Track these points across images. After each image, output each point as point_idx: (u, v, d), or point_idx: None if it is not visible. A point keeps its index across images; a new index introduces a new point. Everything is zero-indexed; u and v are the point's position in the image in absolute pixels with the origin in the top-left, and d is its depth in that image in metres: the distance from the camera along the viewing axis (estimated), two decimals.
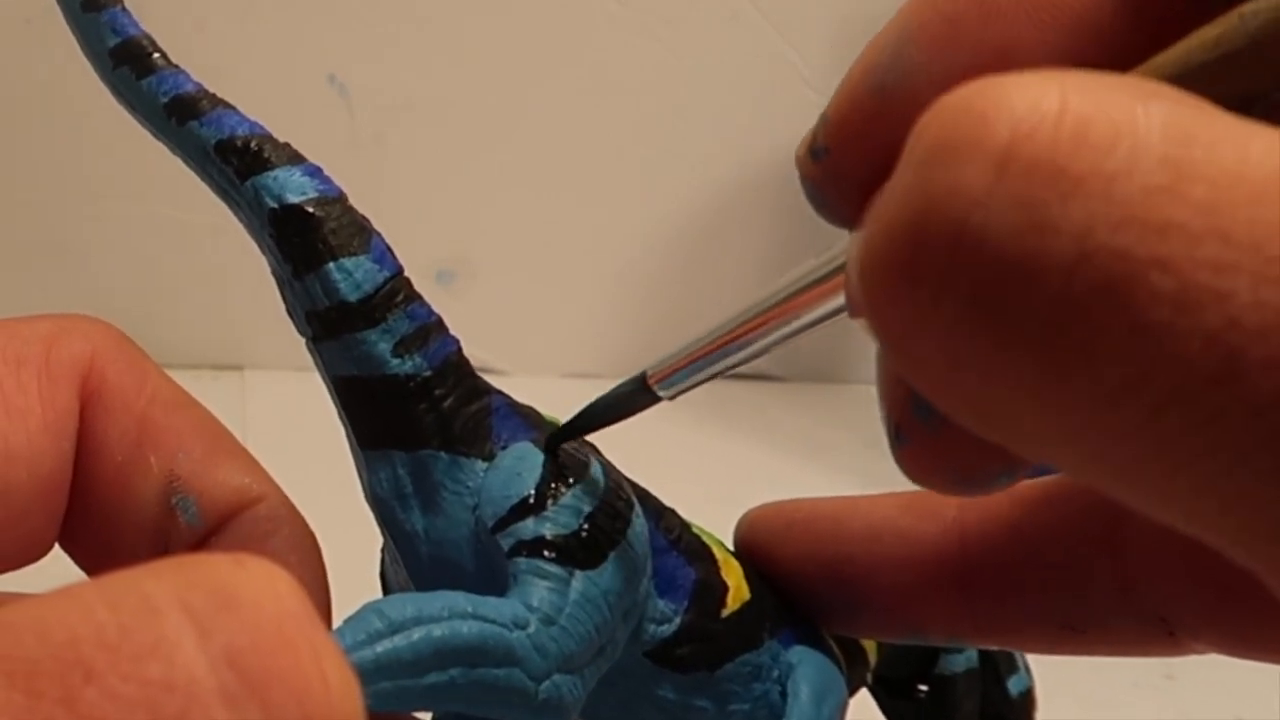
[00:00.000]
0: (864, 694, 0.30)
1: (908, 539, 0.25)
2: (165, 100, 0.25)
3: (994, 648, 0.29)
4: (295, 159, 0.24)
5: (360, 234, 0.24)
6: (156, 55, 0.26)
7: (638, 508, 0.24)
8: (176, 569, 0.13)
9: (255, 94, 0.66)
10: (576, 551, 0.22)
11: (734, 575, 0.26)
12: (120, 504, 0.23)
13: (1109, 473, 0.13)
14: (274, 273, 0.24)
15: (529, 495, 0.23)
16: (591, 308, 0.70)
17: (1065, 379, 0.13)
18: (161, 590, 0.13)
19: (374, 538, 0.25)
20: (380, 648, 0.19)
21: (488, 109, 0.67)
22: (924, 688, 0.30)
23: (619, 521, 0.23)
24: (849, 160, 0.18)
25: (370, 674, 0.19)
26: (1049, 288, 0.12)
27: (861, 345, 0.78)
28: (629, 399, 0.21)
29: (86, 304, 0.66)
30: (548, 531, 0.22)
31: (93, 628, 0.12)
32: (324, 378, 0.24)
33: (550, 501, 0.23)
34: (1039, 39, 0.16)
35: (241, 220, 0.24)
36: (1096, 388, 0.12)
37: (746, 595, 0.26)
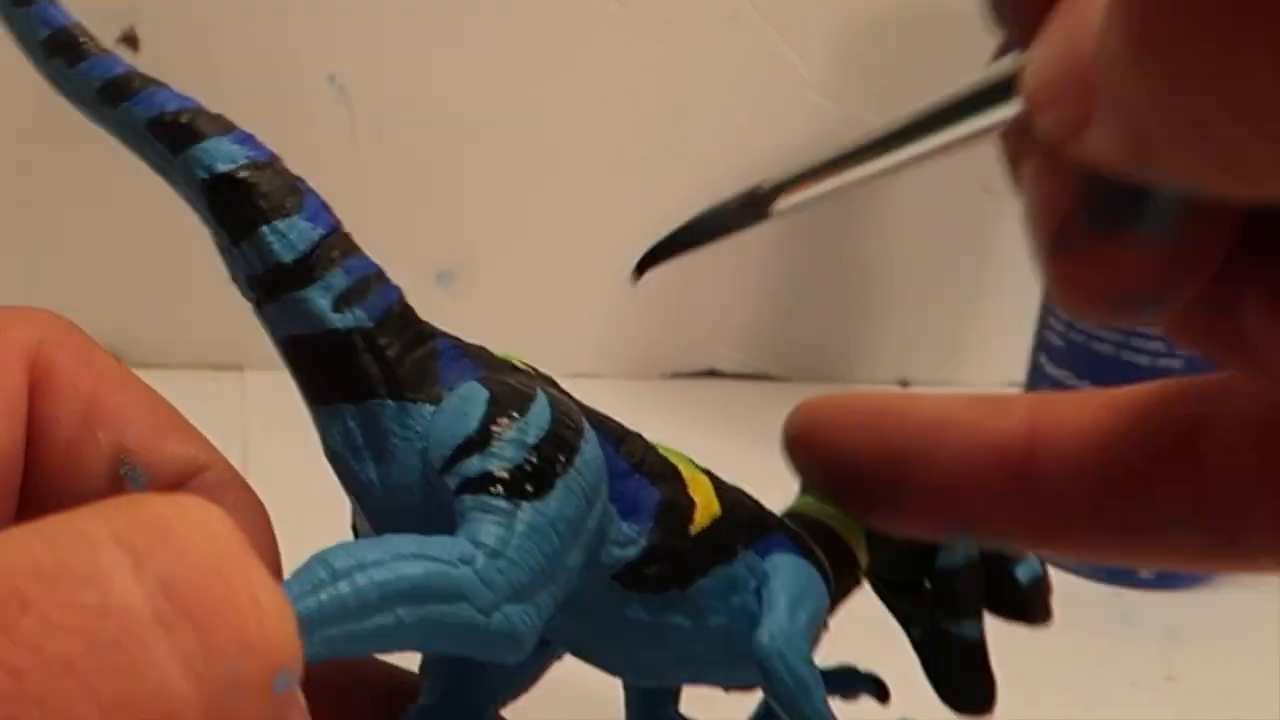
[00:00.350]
0: (862, 642, 0.30)
1: (973, 432, 0.24)
2: (98, 85, 0.25)
3: (1041, 552, 0.29)
4: (225, 129, 0.25)
5: (292, 194, 0.25)
6: (86, 42, 0.26)
7: (589, 434, 0.24)
8: (114, 508, 0.14)
9: (255, 94, 0.67)
10: (522, 483, 0.22)
11: (702, 492, 0.26)
12: (71, 479, 0.24)
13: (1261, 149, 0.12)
14: (216, 243, 0.25)
15: (473, 433, 0.23)
16: (591, 308, 0.70)
17: None
18: (97, 526, 0.13)
19: None
20: (325, 595, 0.20)
21: (488, 109, 0.67)
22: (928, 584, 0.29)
23: (566, 450, 0.23)
24: None
25: (317, 622, 0.20)
26: None
27: (861, 345, 0.78)
28: (735, 215, 0.20)
29: (86, 303, 0.66)
30: (492, 466, 0.22)
31: (29, 561, 0.12)
32: (272, 340, 0.25)
33: (494, 437, 0.23)
34: None
35: (182, 195, 0.25)
36: None
37: (717, 510, 0.26)
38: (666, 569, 0.25)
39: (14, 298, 0.71)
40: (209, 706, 0.13)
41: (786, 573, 0.26)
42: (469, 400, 0.23)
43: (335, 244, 0.25)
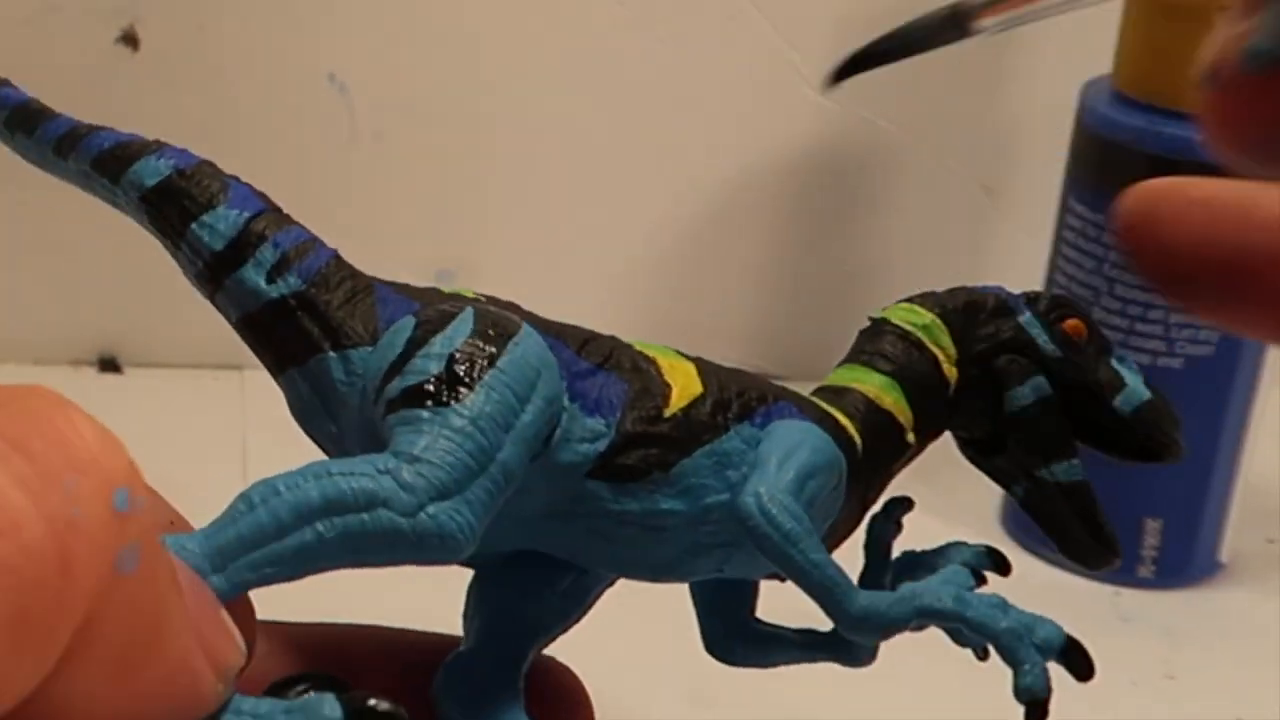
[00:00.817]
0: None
1: None
2: (51, 144, 0.27)
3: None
4: (154, 149, 0.26)
5: (218, 188, 0.26)
6: (39, 110, 0.28)
7: (524, 336, 0.24)
8: None
9: (255, 93, 0.67)
10: (438, 391, 0.23)
11: (681, 375, 0.26)
12: None
13: None
14: (171, 255, 0.26)
15: (396, 358, 0.24)
16: (591, 307, 0.70)
17: None
18: None
19: None
20: (242, 523, 0.21)
21: (488, 108, 0.67)
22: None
23: (484, 353, 0.23)
24: None
25: (237, 549, 0.21)
26: None
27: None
28: (936, 31, 0.19)
29: (86, 304, 0.66)
30: (410, 382, 0.23)
31: None
32: (232, 327, 0.26)
33: (414, 356, 0.23)
34: None
35: (136, 221, 0.27)
36: None
37: (698, 389, 0.26)
38: (644, 455, 0.24)
39: (13, 298, 0.72)
40: (50, 517, 0.15)
41: (778, 434, 0.25)
42: (398, 331, 0.24)
43: (262, 223, 0.26)
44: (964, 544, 0.28)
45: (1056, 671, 0.26)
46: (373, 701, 0.20)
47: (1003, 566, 0.28)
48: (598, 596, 0.27)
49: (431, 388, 0.23)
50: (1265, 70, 0.15)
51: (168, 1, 0.62)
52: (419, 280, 0.27)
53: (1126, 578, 0.58)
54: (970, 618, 0.25)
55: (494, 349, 0.23)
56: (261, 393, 0.56)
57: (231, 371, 0.65)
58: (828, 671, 0.29)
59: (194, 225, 0.25)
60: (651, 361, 0.26)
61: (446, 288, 0.26)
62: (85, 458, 0.15)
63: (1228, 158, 0.16)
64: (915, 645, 0.27)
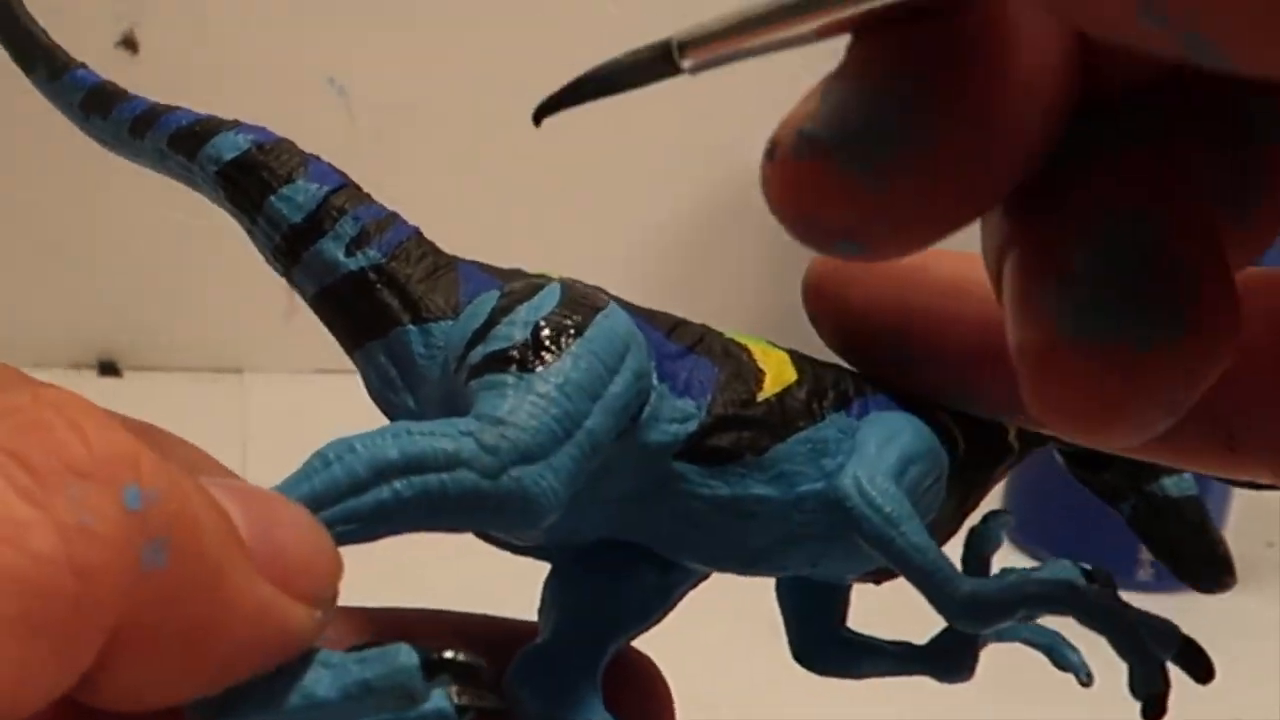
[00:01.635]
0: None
1: (989, 300, 0.23)
2: (128, 124, 0.27)
3: (1037, 432, 0.27)
4: (231, 125, 0.26)
5: (298, 164, 0.26)
6: (114, 92, 0.28)
7: (613, 310, 0.24)
8: None
9: (255, 95, 0.67)
10: (524, 356, 0.22)
11: (774, 362, 0.25)
12: None
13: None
14: (246, 231, 0.26)
15: (480, 325, 0.23)
16: None
17: None
18: None
19: None
20: (317, 479, 0.20)
21: (486, 110, 0.67)
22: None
23: (574, 319, 0.23)
24: None
25: (311, 507, 0.20)
26: None
27: None
28: (644, 68, 0.19)
29: (87, 307, 0.66)
30: (495, 347, 0.23)
31: None
32: (310, 306, 0.25)
33: (499, 323, 0.23)
34: None
35: (211, 199, 0.26)
36: None
37: (792, 377, 0.25)
38: (735, 438, 0.24)
39: (13, 302, 0.72)
40: (60, 525, 0.15)
41: (878, 423, 0.25)
42: (482, 303, 0.24)
43: (342, 197, 0.26)
44: (1063, 561, 0.27)
45: (1057, 673, 0.26)
46: (450, 653, 0.19)
47: (1108, 583, 0.27)
48: (682, 596, 0.26)
49: (516, 354, 0.22)
50: (808, 156, 0.15)
51: (167, 5, 0.62)
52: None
53: (1125, 581, 0.58)
54: (1088, 603, 0.25)
55: (581, 318, 0.23)
56: (261, 396, 0.56)
57: (231, 374, 0.65)
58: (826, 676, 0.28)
59: (272, 198, 0.25)
60: (743, 348, 0.25)
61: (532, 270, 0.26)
62: (86, 463, 0.15)
63: (785, 226, 0.16)
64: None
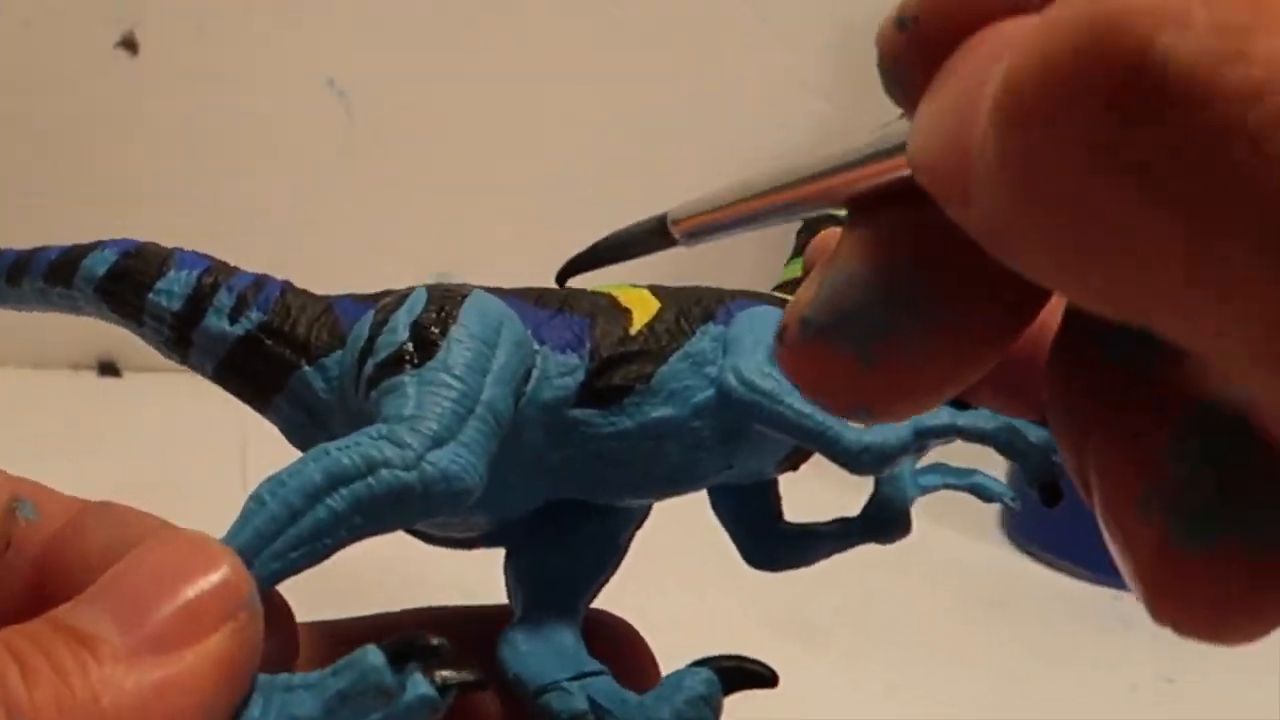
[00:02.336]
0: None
1: None
2: (3, 278, 0.29)
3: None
4: (95, 246, 0.28)
5: (165, 260, 0.27)
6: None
7: (475, 295, 0.26)
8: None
9: (254, 98, 0.67)
10: (406, 358, 0.24)
11: (637, 299, 0.27)
12: None
13: (1226, 343, 0.11)
14: (141, 337, 0.28)
15: (364, 343, 0.25)
16: None
17: (1217, 234, 0.11)
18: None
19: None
20: (258, 519, 0.22)
21: (486, 113, 0.67)
22: None
23: (444, 311, 0.25)
24: (941, 33, 0.16)
25: (257, 544, 0.22)
26: (1235, 131, 0.11)
27: None
28: (645, 239, 0.21)
29: None
30: (382, 356, 0.24)
31: None
32: (213, 381, 0.28)
33: (379, 334, 0.25)
34: None
35: (99, 318, 0.28)
36: (1245, 257, 0.11)
37: (655, 306, 0.27)
38: (621, 374, 0.26)
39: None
40: None
41: (744, 319, 0.27)
42: (361, 325, 0.26)
43: (212, 275, 0.27)
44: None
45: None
46: (411, 639, 0.20)
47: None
48: (628, 541, 0.28)
49: (403, 354, 0.24)
50: (811, 340, 0.16)
51: (167, 6, 0.62)
52: (416, 283, 0.27)
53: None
54: (963, 425, 0.26)
55: (450, 307, 0.25)
56: None
57: None
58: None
59: (150, 295, 0.27)
60: (605, 295, 0.27)
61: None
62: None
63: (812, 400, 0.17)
64: (916, 650, 0.27)
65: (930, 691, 0.46)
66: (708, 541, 0.29)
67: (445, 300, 0.25)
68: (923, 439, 0.26)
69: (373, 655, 0.20)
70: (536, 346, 0.26)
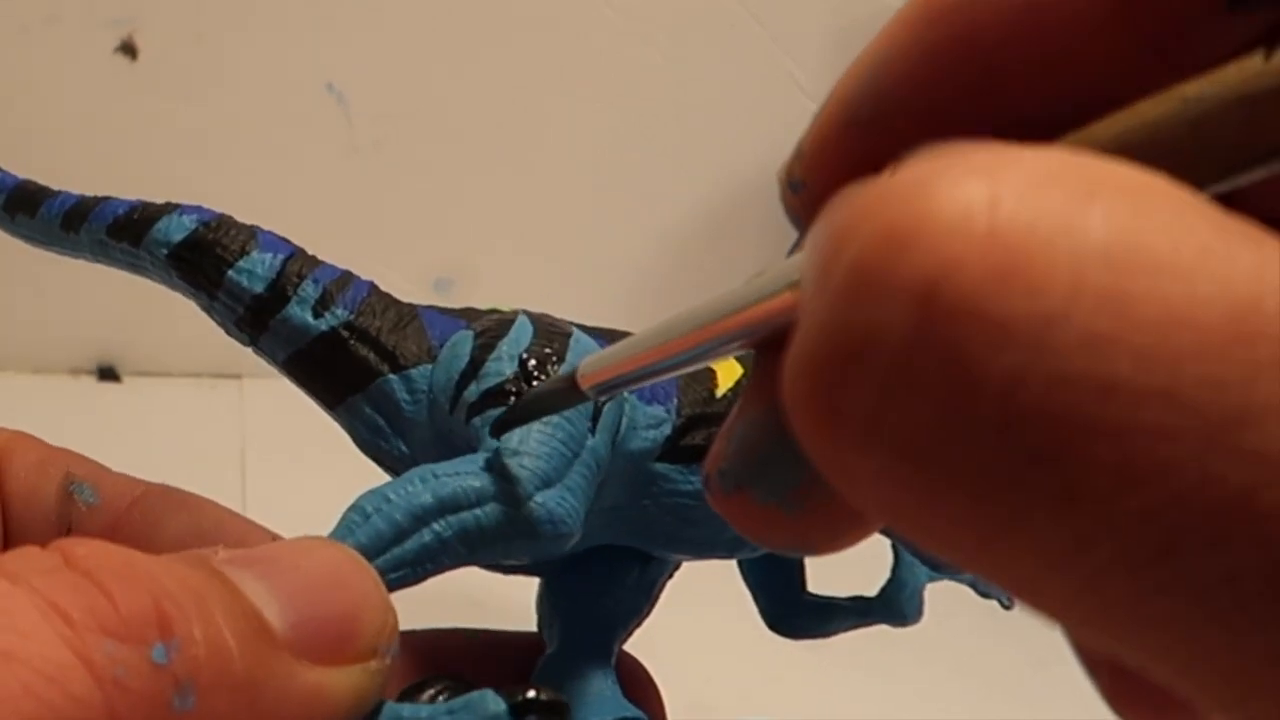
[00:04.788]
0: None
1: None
2: (59, 220, 0.28)
3: None
4: (173, 208, 0.27)
5: (248, 237, 0.27)
6: (37, 190, 0.29)
7: (578, 334, 0.26)
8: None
9: (253, 102, 0.67)
10: (517, 388, 0.24)
11: (720, 360, 0.27)
12: (32, 506, 0.26)
13: (1055, 613, 0.12)
14: (202, 308, 0.27)
15: (466, 366, 0.25)
16: (588, 314, 0.70)
17: (996, 538, 0.11)
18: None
19: None
20: (361, 534, 0.22)
21: (485, 117, 0.67)
22: None
23: (554, 347, 0.25)
24: (826, 195, 0.16)
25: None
26: (979, 446, 0.11)
27: None
28: (561, 395, 0.21)
29: (86, 312, 0.66)
30: (490, 384, 0.24)
31: None
32: (278, 370, 0.27)
33: (485, 360, 0.25)
34: (1023, 69, 0.14)
35: (158, 281, 0.28)
36: (1030, 549, 0.11)
37: (739, 370, 0.27)
38: (705, 434, 0.26)
39: (13, 308, 0.72)
40: (98, 676, 0.16)
41: None
42: (458, 344, 0.25)
43: (298, 263, 0.27)
44: None
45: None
46: (533, 693, 0.20)
47: None
48: (662, 587, 0.28)
49: (511, 386, 0.24)
50: (729, 491, 0.16)
51: (166, 11, 0.62)
52: (416, 288, 0.27)
53: None
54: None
55: (558, 344, 0.25)
56: (260, 401, 0.56)
57: (230, 380, 0.65)
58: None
59: (230, 272, 0.26)
60: None
61: (483, 307, 0.28)
62: (116, 624, 0.17)
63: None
64: (909, 647, 0.27)
65: (930, 691, 0.46)
66: None
67: (552, 336, 0.25)
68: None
69: (494, 702, 0.20)
70: (625, 394, 0.25)
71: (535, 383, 0.24)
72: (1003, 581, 0.12)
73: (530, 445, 0.23)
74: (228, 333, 0.27)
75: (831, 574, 0.29)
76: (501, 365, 0.24)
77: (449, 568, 0.22)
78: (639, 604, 0.27)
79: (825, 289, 0.12)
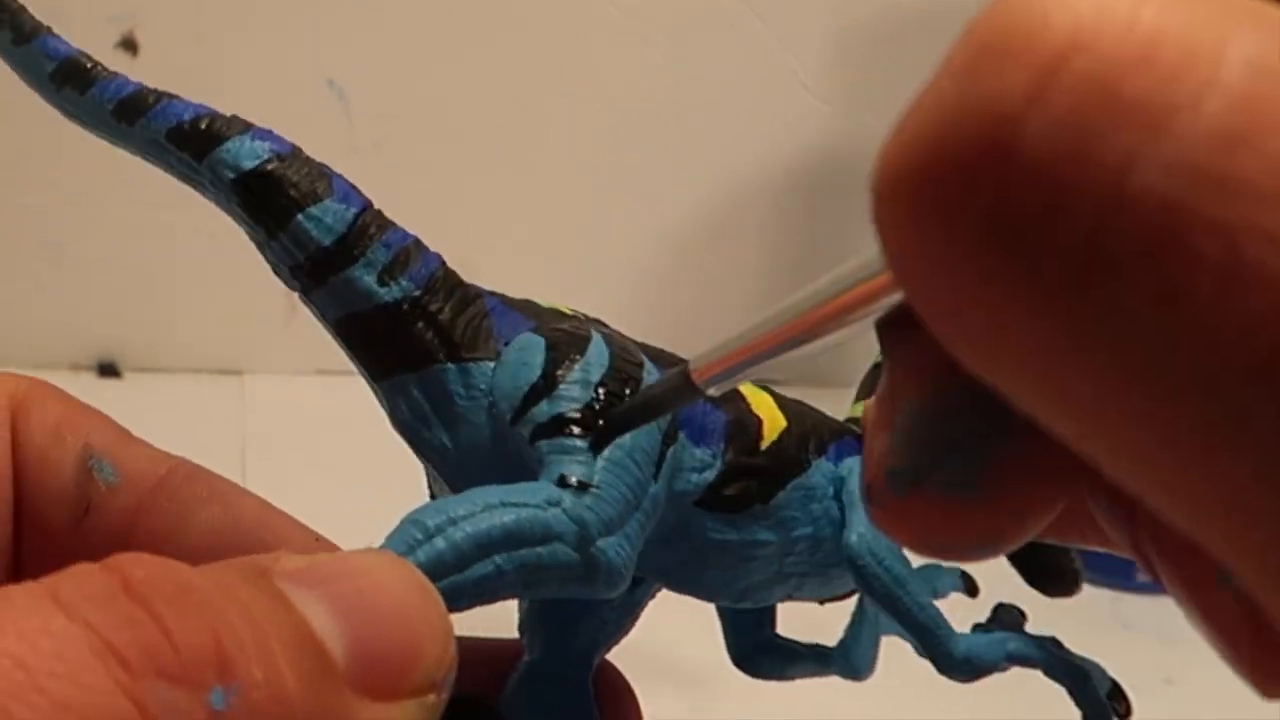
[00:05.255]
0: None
1: None
2: (112, 106, 0.25)
3: None
4: (244, 128, 0.25)
5: (321, 179, 0.25)
6: (93, 67, 0.26)
7: (649, 365, 0.24)
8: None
9: (253, 99, 0.67)
10: (593, 420, 0.23)
11: (765, 408, 0.26)
12: (46, 477, 0.25)
13: (1112, 452, 0.11)
14: (253, 239, 0.25)
15: (538, 380, 0.23)
16: (591, 313, 0.70)
17: (1077, 341, 0.11)
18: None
19: (375, 535, 0.26)
20: (422, 554, 0.20)
21: (487, 115, 0.67)
22: None
23: (630, 382, 0.23)
24: None
25: None
26: (1076, 229, 0.10)
27: (861, 350, 0.78)
28: (673, 394, 0.20)
29: (87, 310, 0.66)
30: (563, 409, 0.23)
31: None
32: (324, 325, 0.25)
33: (559, 381, 0.23)
34: None
35: (210, 198, 0.25)
36: (1112, 356, 0.11)
37: (783, 423, 0.26)
38: (746, 487, 0.25)
39: (13, 303, 0.72)
40: None
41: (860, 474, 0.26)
42: (527, 350, 0.24)
43: (370, 221, 0.25)
44: (940, 567, 0.29)
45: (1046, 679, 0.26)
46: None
47: (972, 591, 0.29)
48: (643, 608, 0.27)
49: (585, 417, 0.23)
50: (904, 492, 0.15)
51: (167, 7, 0.62)
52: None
53: (1126, 584, 0.58)
54: (1055, 660, 0.26)
55: (635, 378, 0.24)
56: (261, 398, 0.56)
57: (231, 376, 0.65)
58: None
59: (300, 216, 0.24)
60: (737, 392, 0.26)
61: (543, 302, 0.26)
62: (174, 667, 0.16)
63: (920, 554, 0.16)
64: (909, 647, 0.27)
65: (930, 691, 0.46)
66: None
67: (628, 367, 0.24)
68: (1010, 663, 0.26)
69: None
70: (679, 434, 0.24)
71: (604, 413, 0.23)
72: (1072, 403, 0.11)
73: (599, 488, 0.22)
74: (275, 273, 0.25)
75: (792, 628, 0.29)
76: (574, 390, 0.23)
77: (500, 599, 0.21)
78: (622, 622, 0.27)
79: (945, 71, 0.11)
